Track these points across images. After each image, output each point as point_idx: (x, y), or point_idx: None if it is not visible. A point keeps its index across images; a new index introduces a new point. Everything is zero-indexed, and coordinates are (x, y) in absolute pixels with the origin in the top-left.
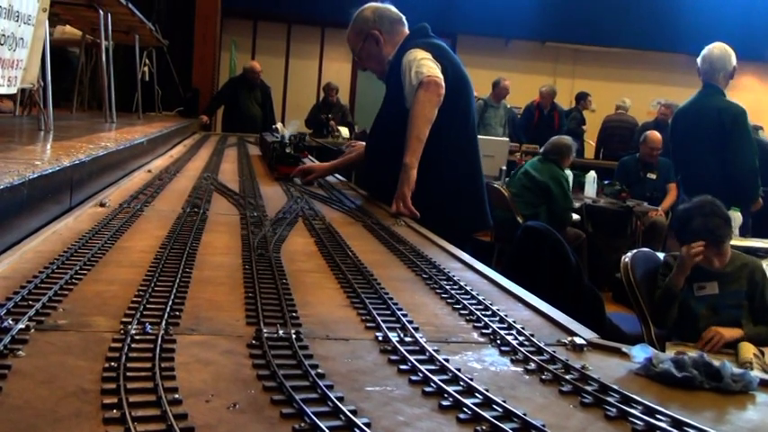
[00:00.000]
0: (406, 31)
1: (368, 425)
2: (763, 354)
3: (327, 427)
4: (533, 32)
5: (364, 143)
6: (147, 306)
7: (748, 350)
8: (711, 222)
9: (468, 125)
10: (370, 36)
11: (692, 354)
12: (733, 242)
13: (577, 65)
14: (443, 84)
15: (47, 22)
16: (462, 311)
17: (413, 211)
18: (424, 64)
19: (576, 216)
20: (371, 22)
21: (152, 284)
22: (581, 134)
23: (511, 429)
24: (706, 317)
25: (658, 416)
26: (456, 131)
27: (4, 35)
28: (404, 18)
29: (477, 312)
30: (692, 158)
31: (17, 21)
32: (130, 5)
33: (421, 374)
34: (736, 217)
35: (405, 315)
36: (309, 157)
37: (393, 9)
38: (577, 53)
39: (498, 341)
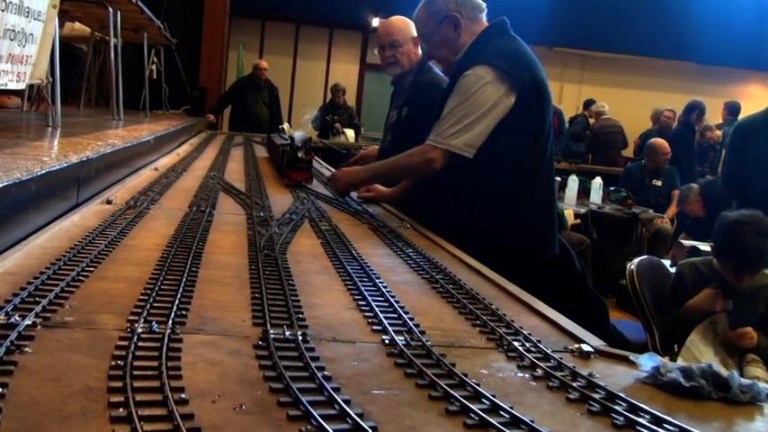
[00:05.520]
0: (485, 22)
1: (374, 429)
2: None
3: (334, 431)
4: (541, 37)
5: (377, 147)
6: (154, 305)
7: (756, 366)
8: (764, 244)
9: (536, 147)
10: (449, 18)
11: (700, 363)
12: None
13: (585, 70)
14: (438, 167)
15: (56, 18)
16: (469, 316)
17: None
18: (463, 125)
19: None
20: (452, 2)
21: (159, 283)
22: (585, 138)
23: None
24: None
25: (666, 425)
26: (521, 154)
27: (14, 31)
28: (485, 6)
29: (484, 317)
30: (756, 170)
31: (27, 17)
32: (139, 3)
33: (427, 379)
34: None
35: (411, 318)
36: (316, 158)
37: None
38: (585, 59)
39: (505, 347)
